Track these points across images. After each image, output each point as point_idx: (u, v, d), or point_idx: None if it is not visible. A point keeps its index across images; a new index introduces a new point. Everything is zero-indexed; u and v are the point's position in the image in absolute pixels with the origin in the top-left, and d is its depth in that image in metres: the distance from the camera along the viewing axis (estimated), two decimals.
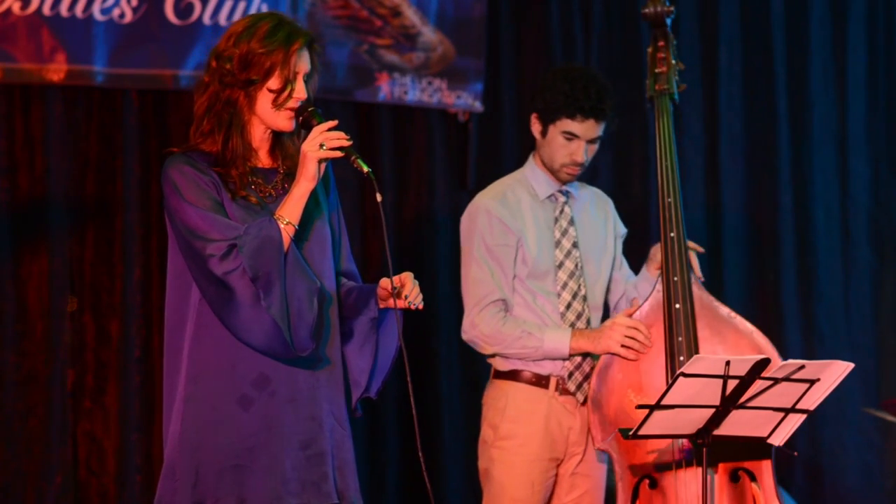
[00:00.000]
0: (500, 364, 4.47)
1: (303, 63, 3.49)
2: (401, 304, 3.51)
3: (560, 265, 4.45)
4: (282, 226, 3.40)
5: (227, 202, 3.44)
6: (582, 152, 4.42)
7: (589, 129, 4.40)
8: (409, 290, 3.51)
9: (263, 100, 3.48)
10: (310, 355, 3.43)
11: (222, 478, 3.40)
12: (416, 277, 3.55)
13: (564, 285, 4.45)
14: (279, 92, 3.46)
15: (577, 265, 4.46)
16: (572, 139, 4.41)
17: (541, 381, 4.42)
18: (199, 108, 3.50)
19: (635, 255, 4.68)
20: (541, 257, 4.44)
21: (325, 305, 3.50)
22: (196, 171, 3.43)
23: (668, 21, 4.58)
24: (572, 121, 4.39)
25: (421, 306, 3.53)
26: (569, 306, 4.44)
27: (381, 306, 3.58)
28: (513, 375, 4.45)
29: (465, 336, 4.47)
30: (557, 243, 4.47)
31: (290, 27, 3.49)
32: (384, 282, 3.53)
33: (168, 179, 3.43)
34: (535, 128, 4.48)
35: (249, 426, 3.42)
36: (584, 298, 4.47)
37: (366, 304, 3.59)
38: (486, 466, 4.50)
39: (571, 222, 4.50)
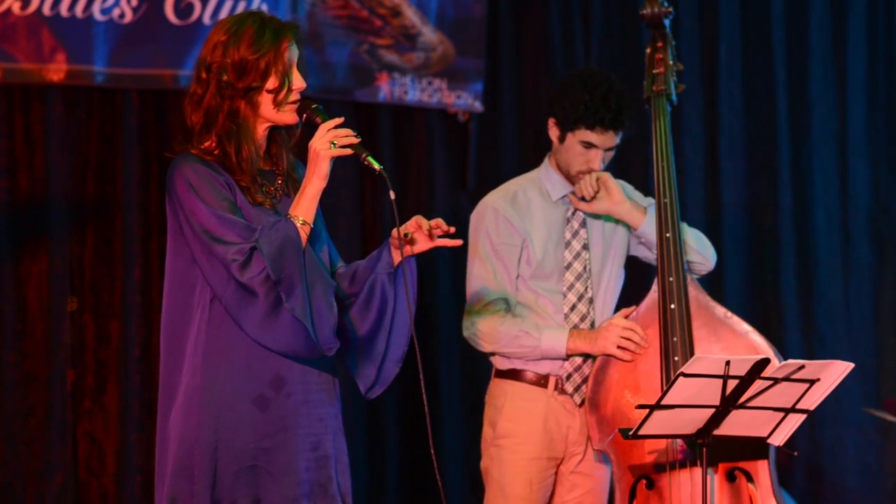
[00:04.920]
0: (500, 363, 4.49)
1: (294, 55, 3.49)
2: (406, 251, 3.49)
3: (568, 266, 4.47)
4: (298, 225, 3.39)
5: (245, 206, 3.44)
6: (599, 161, 4.44)
7: (607, 139, 4.43)
8: (430, 225, 3.48)
9: (266, 102, 3.48)
10: (318, 356, 3.44)
11: (239, 478, 3.40)
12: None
13: (571, 286, 4.46)
14: (278, 91, 3.46)
15: (585, 267, 4.47)
16: (590, 148, 4.43)
17: (540, 381, 4.43)
18: (196, 122, 3.49)
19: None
20: (547, 258, 4.45)
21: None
22: (211, 170, 3.43)
23: (667, 22, 4.58)
24: (591, 131, 4.41)
25: (452, 230, 3.49)
26: (573, 308, 4.45)
27: (397, 258, 3.53)
28: (512, 374, 4.46)
29: (464, 333, 4.48)
30: (567, 244, 4.48)
31: (273, 24, 3.48)
32: (395, 232, 3.50)
33: (183, 177, 3.42)
34: (553, 132, 4.50)
35: (266, 427, 3.42)
36: (590, 301, 4.47)
37: (378, 261, 3.55)
38: (485, 465, 4.51)
39: (583, 224, 4.51)
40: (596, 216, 4.51)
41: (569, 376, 4.42)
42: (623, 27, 6.33)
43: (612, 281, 4.54)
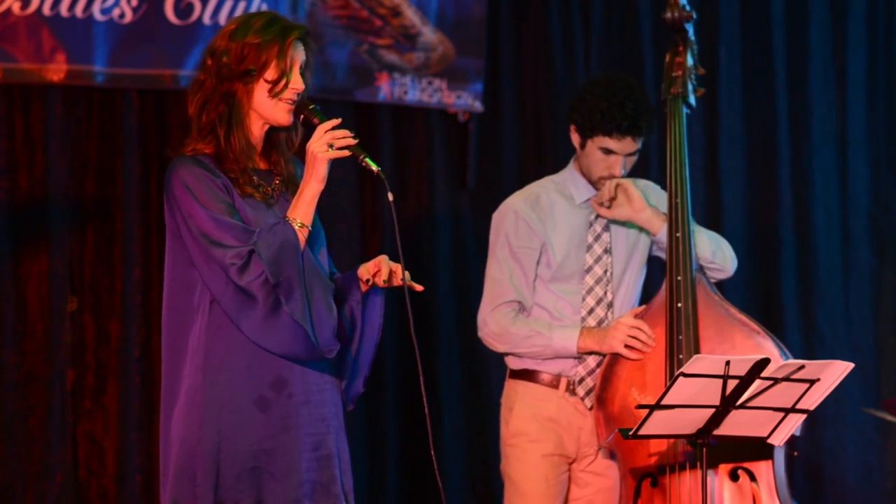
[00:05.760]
0: (513, 363, 4.52)
1: (298, 55, 3.49)
2: (396, 282, 3.51)
3: (588, 269, 4.48)
4: (296, 228, 3.39)
5: (243, 207, 3.43)
6: (619, 167, 4.45)
7: (626, 145, 4.43)
8: (386, 276, 3.50)
9: (260, 92, 3.47)
10: (318, 358, 3.44)
11: (241, 480, 3.40)
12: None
13: (590, 290, 4.47)
14: (276, 82, 3.46)
15: (606, 271, 4.48)
16: (610, 154, 4.44)
17: (552, 382, 4.45)
18: (195, 105, 3.49)
19: None
20: (567, 261, 4.46)
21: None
22: (207, 172, 3.43)
23: (689, 26, 4.59)
24: (609, 138, 4.41)
25: (412, 285, 3.51)
26: (591, 311, 4.46)
27: (364, 288, 3.58)
28: (524, 375, 4.49)
29: (479, 333, 4.54)
30: (589, 248, 4.49)
31: (284, 21, 3.50)
32: (361, 271, 3.54)
33: (179, 180, 3.41)
34: (574, 139, 4.52)
35: (267, 428, 3.42)
36: (609, 305, 4.48)
37: (349, 292, 3.59)
38: (503, 465, 4.54)
39: (606, 228, 4.52)
40: (619, 221, 4.52)
41: (581, 380, 4.43)
42: (623, 27, 6.33)
43: (631, 284, 4.55)
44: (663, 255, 4.58)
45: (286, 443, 3.43)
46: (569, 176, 4.57)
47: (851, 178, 6.54)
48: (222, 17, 5.57)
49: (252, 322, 3.37)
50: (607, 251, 4.50)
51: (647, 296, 4.63)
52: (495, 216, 4.57)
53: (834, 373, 3.75)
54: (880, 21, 6.60)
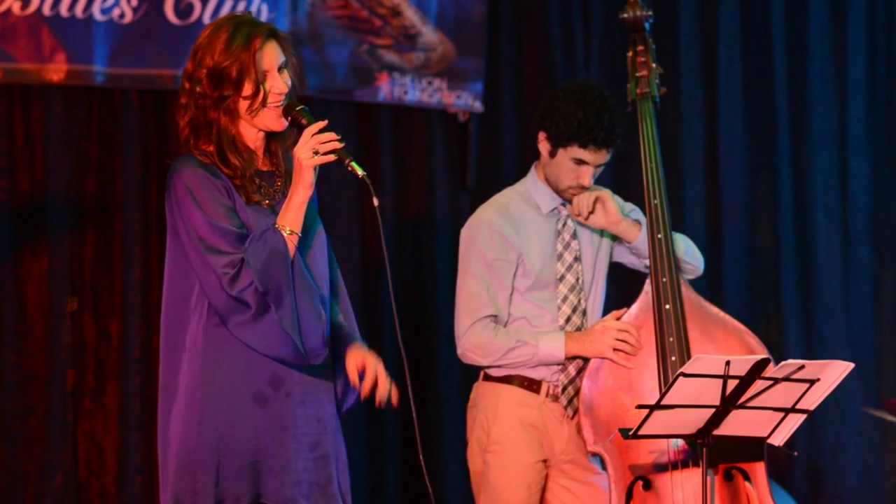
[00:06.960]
0: (493, 369, 4.46)
1: (269, 58, 3.44)
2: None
3: (561, 278, 4.45)
4: (285, 235, 3.39)
5: (241, 207, 3.43)
6: (590, 177, 4.40)
7: (600, 157, 4.40)
8: (367, 385, 3.50)
9: (245, 109, 3.46)
10: (305, 364, 3.44)
11: (241, 475, 3.41)
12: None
13: (565, 298, 4.44)
14: (252, 97, 3.43)
15: (577, 279, 4.46)
16: (582, 164, 4.40)
17: (532, 386, 4.41)
18: (182, 131, 3.48)
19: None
20: (543, 271, 4.43)
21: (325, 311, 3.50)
22: (210, 174, 3.42)
23: (647, 25, 4.60)
24: (584, 150, 4.37)
25: (387, 401, 3.51)
26: (568, 319, 4.44)
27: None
28: (505, 379, 4.44)
29: (458, 351, 4.44)
30: (559, 256, 4.46)
31: (247, 28, 3.43)
32: (349, 364, 3.52)
33: (182, 180, 3.41)
34: (543, 147, 4.45)
35: (265, 423, 3.43)
36: (584, 313, 4.46)
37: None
38: (479, 470, 4.48)
39: (574, 235, 4.48)
40: (582, 226, 4.49)
41: (563, 389, 4.41)
42: (623, 27, 6.32)
43: (600, 291, 4.53)
44: (627, 260, 4.56)
45: (284, 441, 3.44)
46: (532, 185, 4.50)
47: (851, 178, 6.54)
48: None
49: (243, 326, 3.38)
50: (577, 259, 4.47)
51: (622, 300, 4.59)
52: (465, 231, 4.48)
53: (834, 373, 3.75)
54: (880, 21, 6.60)
